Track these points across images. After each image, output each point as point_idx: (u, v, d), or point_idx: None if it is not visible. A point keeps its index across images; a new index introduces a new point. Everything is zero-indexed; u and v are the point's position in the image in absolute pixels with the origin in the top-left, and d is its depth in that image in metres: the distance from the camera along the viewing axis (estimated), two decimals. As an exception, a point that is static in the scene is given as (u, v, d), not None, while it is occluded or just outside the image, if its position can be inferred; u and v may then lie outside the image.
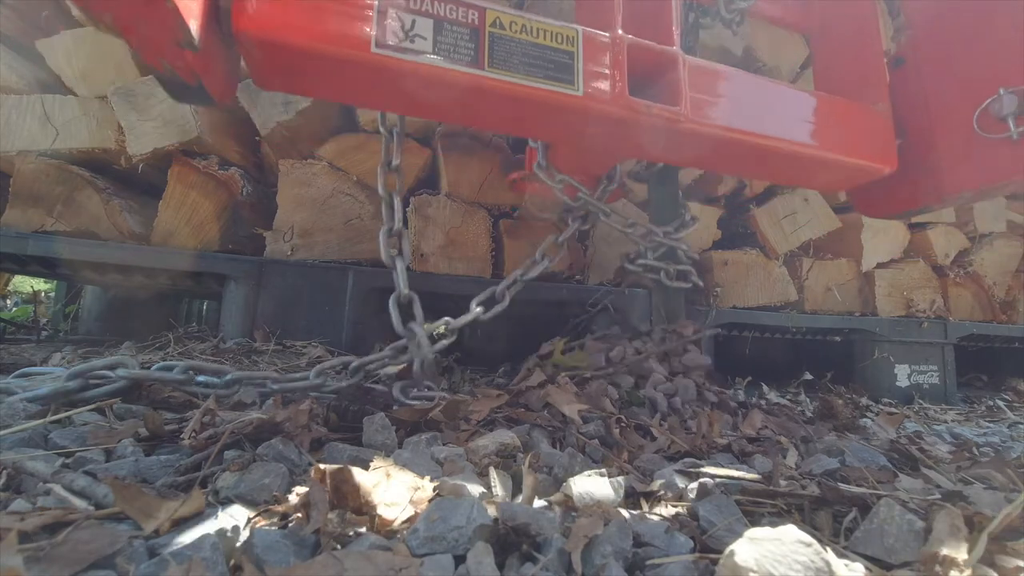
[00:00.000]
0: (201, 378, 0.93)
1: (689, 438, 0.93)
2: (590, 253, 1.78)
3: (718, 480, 0.70)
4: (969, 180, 1.14)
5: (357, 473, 0.55)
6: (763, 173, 1.36)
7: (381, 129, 1.24)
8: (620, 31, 1.00)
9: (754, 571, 0.41)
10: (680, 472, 0.74)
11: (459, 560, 0.48)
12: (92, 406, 0.81)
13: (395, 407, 0.91)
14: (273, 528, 0.50)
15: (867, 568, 0.50)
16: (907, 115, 1.24)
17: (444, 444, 0.79)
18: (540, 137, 1.33)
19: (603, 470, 0.70)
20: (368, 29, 0.84)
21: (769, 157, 1.13)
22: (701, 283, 1.49)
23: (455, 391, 1.18)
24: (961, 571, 0.46)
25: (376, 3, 0.85)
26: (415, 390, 1.03)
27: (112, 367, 0.86)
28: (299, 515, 0.51)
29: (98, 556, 0.42)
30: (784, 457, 0.89)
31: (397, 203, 1.17)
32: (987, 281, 2.24)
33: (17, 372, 0.92)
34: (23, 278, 3.29)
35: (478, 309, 1.19)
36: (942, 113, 1.19)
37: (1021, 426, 1.57)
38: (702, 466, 0.77)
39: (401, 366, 1.11)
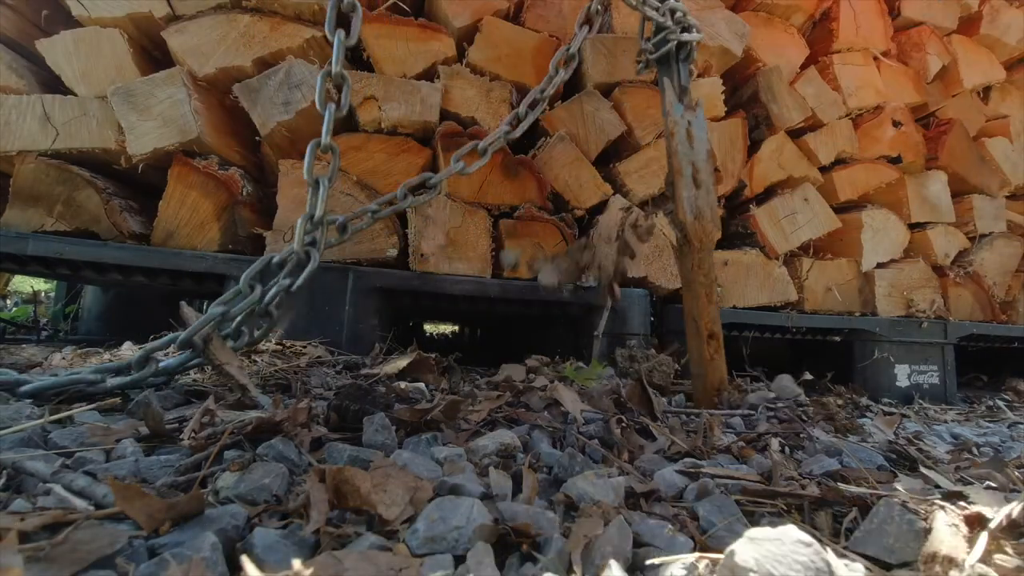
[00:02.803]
0: None
1: (689, 439, 0.93)
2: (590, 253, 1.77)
3: (718, 480, 0.70)
4: None
5: (357, 473, 0.55)
6: None
7: None
8: None
9: (754, 571, 0.41)
10: (680, 472, 0.74)
11: (459, 560, 0.48)
12: (93, 405, 0.81)
13: (396, 407, 0.91)
14: (273, 528, 0.50)
15: (867, 568, 0.50)
16: None
17: (444, 444, 0.79)
18: None
19: (603, 470, 0.70)
20: None
21: None
22: (695, 24, 1.38)
23: (455, 391, 1.18)
24: (961, 571, 0.46)
25: None
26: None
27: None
28: (299, 515, 0.51)
29: (98, 556, 0.42)
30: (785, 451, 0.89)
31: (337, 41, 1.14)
32: (987, 281, 2.24)
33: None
34: (23, 278, 3.29)
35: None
36: None
37: (1021, 426, 1.57)
38: (702, 466, 0.77)
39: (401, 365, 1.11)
